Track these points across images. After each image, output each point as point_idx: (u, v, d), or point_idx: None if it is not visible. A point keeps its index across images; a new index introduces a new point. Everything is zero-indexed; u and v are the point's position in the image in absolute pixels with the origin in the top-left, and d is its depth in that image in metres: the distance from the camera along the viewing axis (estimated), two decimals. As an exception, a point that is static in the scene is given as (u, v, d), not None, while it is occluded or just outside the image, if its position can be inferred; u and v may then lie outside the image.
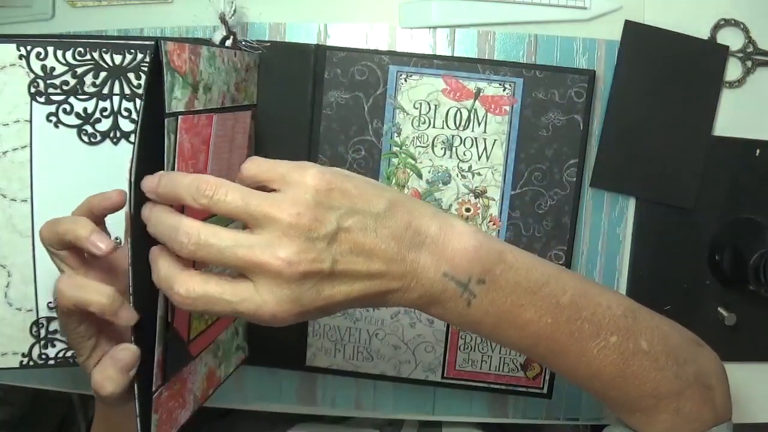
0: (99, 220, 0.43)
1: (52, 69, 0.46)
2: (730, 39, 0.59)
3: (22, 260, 0.49)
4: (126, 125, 0.48)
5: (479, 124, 0.58)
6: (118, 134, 0.48)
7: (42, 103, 0.47)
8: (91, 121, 0.48)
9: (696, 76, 0.59)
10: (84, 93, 0.47)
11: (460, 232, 0.38)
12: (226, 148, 0.48)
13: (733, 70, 0.60)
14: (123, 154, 0.48)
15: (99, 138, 0.48)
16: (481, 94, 0.57)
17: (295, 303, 0.34)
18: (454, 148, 0.58)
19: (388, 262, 0.36)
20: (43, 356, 0.50)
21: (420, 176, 0.59)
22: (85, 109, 0.47)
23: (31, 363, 0.50)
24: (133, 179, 0.36)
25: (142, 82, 0.47)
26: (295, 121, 0.58)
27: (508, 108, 0.57)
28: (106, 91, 0.47)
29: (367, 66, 0.58)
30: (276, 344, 0.62)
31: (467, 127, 0.58)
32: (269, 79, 0.57)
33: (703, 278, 0.61)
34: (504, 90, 0.57)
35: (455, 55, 0.59)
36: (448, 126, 0.58)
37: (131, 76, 0.47)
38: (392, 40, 0.60)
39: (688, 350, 0.44)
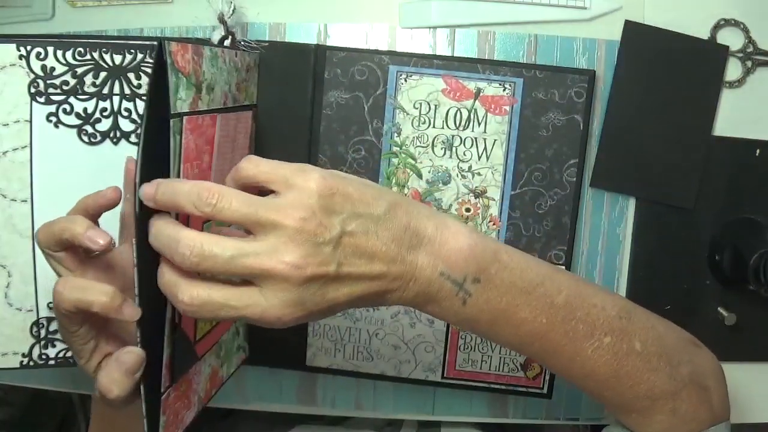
0: (94, 220, 0.42)
1: (52, 69, 0.46)
2: (730, 39, 0.59)
3: (22, 260, 0.49)
4: (126, 125, 0.48)
5: (479, 124, 0.58)
6: (118, 134, 0.48)
7: (42, 103, 0.47)
8: (91, 121, 0.47)
9: (696, 76, 0.59)
10: (84, 93, 0.47)
11: (455, 232, 0.38)
12: (229, 148, 0.48)
13: (733, 70, 0.60)
14: (123, 154, 0.48)
15: (99, 138, 0.48)
16: (481, 94, 0.57)
17: (300, 306, 0.35)
18: (454, 148, 0.58)
19: (388, 263, 0.36)
20: (43, 356, 0.50)
21: (420, 176, 0.59)
22: (85, 109, 0.47)
23: (31, 363, 0.50)
24: (138, 180, 0.36)
25: (143, 82, 0.47)
26: (295, 121, 0.58)
27: (508, 108, 0.57)
28: (106, 91, 0.47)
29: (367, 66, 0.58)
30: (276, 344, 0.62)
31: (467, 127, 0.58)
32: (269, 79, 0.57)
33: (703, 278, 0.61)
34: (504, 90, 0.57)
35: (455, 55, 0.59)
36: (448, 126, 0.58)
37: (131, 76, 0.47)
38: (392, 40, 0.60)
39: (684, 351, 0.45)
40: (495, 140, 0.58)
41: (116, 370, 0.38)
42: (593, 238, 0.61)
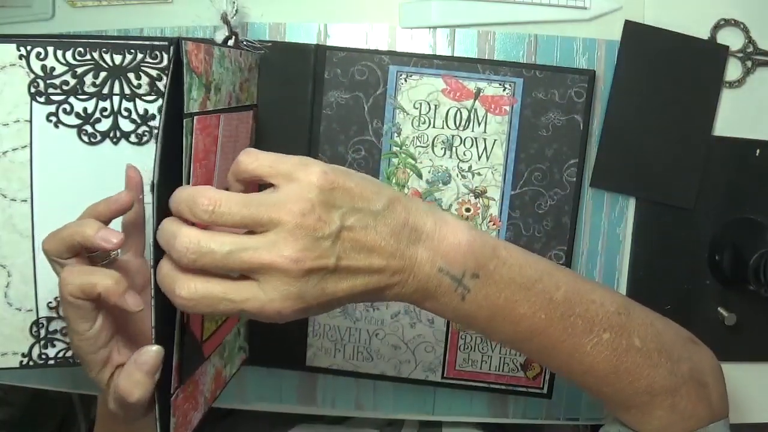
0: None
1: (52, 69, 0.46)
2: (730, 39, 0.59)
3: (22, 260, 0.49)
4: (126, 125, 0.48)
5: (479, 124, 0.58)
6: (118, 134, 0.48)
7: (42, 103, 0.46)
8: (91, 121, 0.47)
9: (696, 76, 0.59)
10: (84, 93, 0.47)
11: (454, 228, 0.38)
12: (231, 148, 0.48)
13: (733, 70, 0.60)
14: (123, 154, 0.48)
15: (99, 138, 0.48)
16: (481, 94, 0.57)
17: (299, 299, 0.35)
18: (454, 148, 0.58)
19: (387, 258, 0.36)
20: (43, 356, 0.50)
21: (420, 176, 0.59)
22: (85, 109, 0.47)
23: (31, 363, 0.50)
24: (156, 181, 0.36)
25: (143, 82, 0.47)
26: (295, 121, 0.58)
27: (508, 108, 0.57)
28: (106, 91, 0.47)
29: (367, 66, 0.58)
30: (276, 344, 0.62)
31: (467, 127, 0.58)
32: (269, 79, 0.57)
33: (703, 278, 0.61)
34: (504, 90, 0.57)
35: (455, 55, 0.59)
36: (448, 126, 0.58)
37: (131, 76, 0.47)
38: (392, 40, 0.60)
39: (683, 348, 0.45)
40: (495, 140, 0.58)
41: (137, 371, 0.38)
42: (593, 238, 0.61)
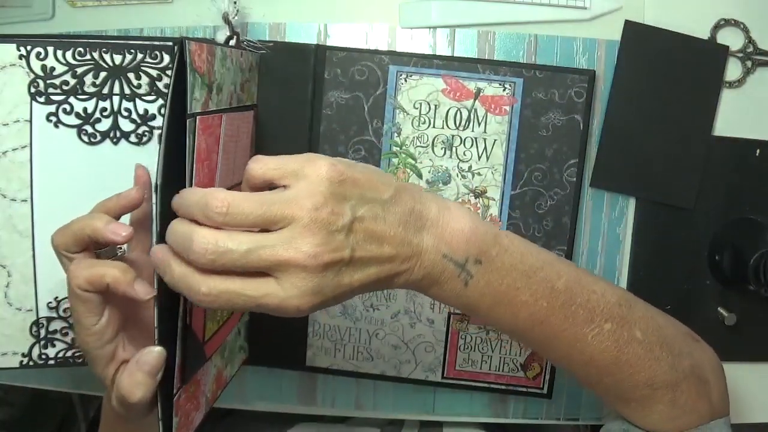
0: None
1: (52, 69, 0.46)
2: (730, 39, 0.59)
3: (22, 260, 0.49)
4: (126, 125, 0.48)
5: (479, 124, 0.58)
6: (118, 134, 0.48)
7: (42, 103, 0.46)
8: (91, 121, 0.47)
9: (696, 76, 0.59)
10: (84, 93, 0.47)
11: (457, 215, 0.39)
12: (232, 148, 0.48)
13: (733, 70, 0.60)
14: (123, 154, 0.48)
15: (99, 138, 0.48)
16: (481, 94, 0.57)
17: (318, 294, 0.35)
18: (454, 148, 0.58)
19: (397, 246, 0.37)
20: (43, 356, 0.50)
21: (420, 176, 0.59)
22: (85, 109, 0.47)
23: (31, 363, 0.50)
24: (160, 182, 0.36)
25: (143, 82, 0.47)
26: (295, 121, 0.58)
27: (508, 108, 0.57)
28: (106, 91, 0.47)
29: (367, 66, 0.58)
30: (276, 344, 0.62)
31: (467, 127, 0.58)
32: (269, 79, 0.57)
33: (703, 278, 0.61)
34: (504, 90, 0.57)
35: (455, 55, 0.59)
36: (448, 126, 0.58)
37: (131, 76, 0.47)
38: (392, 40, 0.60)
39: (684, 343, 0.45)
40: (495, 140, 0.58)
41: (138, 371, 0.38)
42: (593, 238, 0.61)
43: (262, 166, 0.36)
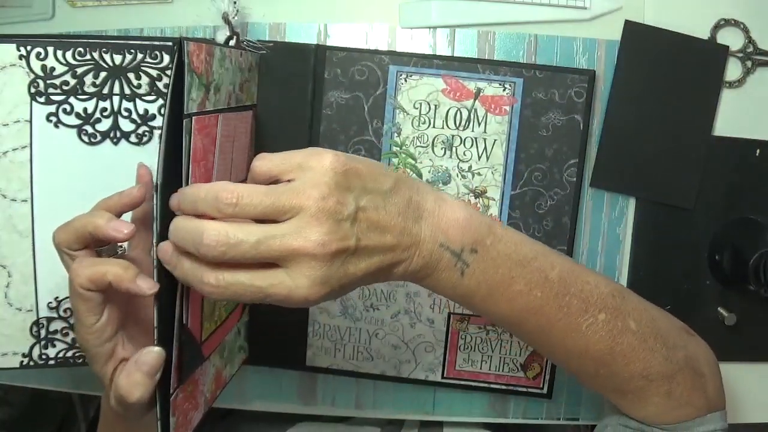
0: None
1: (52, 69, 0.46)
2: (730, 39, 0.59)
3: (22, 260, 0.49)
4: (126, 125, 0.48)
5: (479, 124, 0.58)
6: (118, 134, 0.48)
7: (42, 103, 0.46)
8: (91, 121, 0.47)
9: (696, 76, 0.59)
10: (84, 93, 0.47)
11: (452, 206, 0.40)
12: (230, 148, 0.48)
13: (733, 70, 0.60)
14: (123, 154, 0.48)
15: (99, 138, 0.48)
16: (481, 94, 0.57)
17: (326, 284, 0.35)
18: (454, 148, 0.58)
19: (398, 236, 0.38)
20: (43, 356, 0.50)
21: (420, 176, 0.59)
22: (85, 109, 0.47)
23: (31, 363, 0.50)
24: (160, 182, 0.37)
25: (143, 82, 0.47)
26: (295, 121, 0.58)
27: (508, 108, 0.57)
28: (106, 91, 0.47)
29: (367, 66, 0.58)
30: (276, 344, 0.62)
31: (467, 127, 0.58)
32: (269, 79, 0.57)
33: (703, 278, 0.61)
34: (504, 90, 0.57)
35: (455, 55, 0.59)
36: (448, 126, 0.58)
37: (131, 76, 0.47)
38: (392, 40, 0.60)
39: (678, 336, 0.45)
40: (495, 140, 0.58)
41: (136, 371, 0.38)
42: (593, 238, 0.61)
43: (267, 162, 0.37)
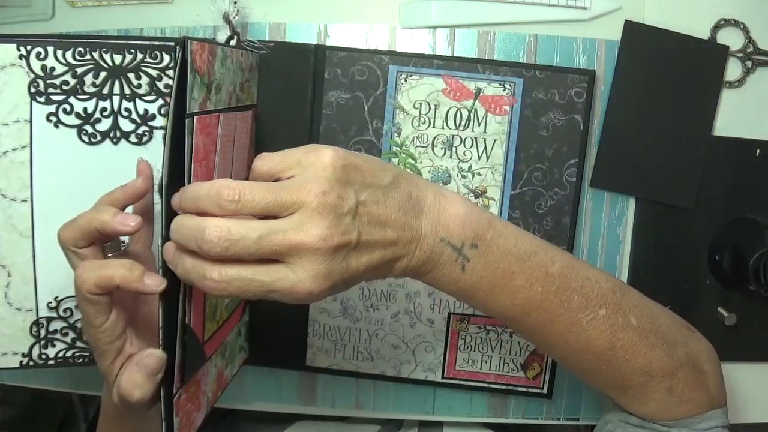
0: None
1: (52, 69, 0.46)
2: (730, 39, 0.59)
3: (22, 260, 0.49)
4: (126, 125, 0.48)
5: (479, 124, 0.58)
6: (118, 134, 0.48)
7: (42, 103, 0.46)
8: (91, 121, 0.47)
9: (696, 76, 0.59)
10: (84, 93, 0.47)
11: (452, 200, 0.40)
12: (230, 148, 0.48)
13: (733, 70, 0.60)
14: (123, 154, 0.48)
15: (99, 138, 0.48)
16: (481, 94, 0.57)
17: (328, 278, 0.35)
18: (454, 148, 0.58)
19: (398, 230, 0.38)
20: (43, 356, 0.50)
21: (420, 176, 0.59)
22: (85, 109, 0.47)
23: (31, 363, 0.50)
24: (166, 181, 0.37)
25: (143, 82, 0.47)
26: (295, 121, 0.58)
27: (508, 108, 0.57)
28: (106, 91, 0.47)
29: (367, 66, 0.58)
30: (276, 344, 0.62)
31: (467, 127, 0.58)
32: (269, 78, 0.57)
33: (703, 278, 0.61)
34: (504, 90, 0.57)
35: (455, 55, 0.59)
36: (448, 126, 0.58)
37: (131, 76, 0.47)
38: (392, 40, 0.60)
39: (679, 333, 0.45)
40: (495, 140, 0.58)
41: (137, 373, 0.38)
42: (593, 238, 0.61)
43: (267, 161, 0.37)
